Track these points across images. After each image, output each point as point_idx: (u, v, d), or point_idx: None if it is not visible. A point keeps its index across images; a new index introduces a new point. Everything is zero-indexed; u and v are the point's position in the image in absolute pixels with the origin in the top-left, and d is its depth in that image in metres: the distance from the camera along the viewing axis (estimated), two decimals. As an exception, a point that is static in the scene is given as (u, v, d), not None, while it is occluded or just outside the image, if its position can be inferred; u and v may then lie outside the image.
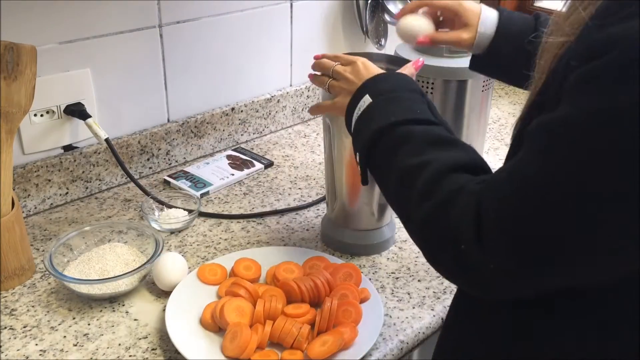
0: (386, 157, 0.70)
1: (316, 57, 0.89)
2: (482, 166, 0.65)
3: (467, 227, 0.56)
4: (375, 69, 0.81)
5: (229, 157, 1.28)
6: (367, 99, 0.75)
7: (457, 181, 0.60)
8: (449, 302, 0.90)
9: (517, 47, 0.90)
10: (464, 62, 1.09)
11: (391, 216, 1.03)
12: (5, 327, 0.84)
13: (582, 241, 0.51)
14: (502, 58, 0.94)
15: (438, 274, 0.92)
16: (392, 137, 0.70)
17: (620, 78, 0.49)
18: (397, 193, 0.68)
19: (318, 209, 1.12)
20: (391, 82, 0.77)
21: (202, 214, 1.09)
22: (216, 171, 1.22)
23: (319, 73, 0.88)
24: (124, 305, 0.88)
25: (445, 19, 0.97)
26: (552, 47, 0.60)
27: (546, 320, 0.62)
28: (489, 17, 0.93)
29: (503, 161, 0.95)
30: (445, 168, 0.62)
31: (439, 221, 0.59)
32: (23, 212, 1.06)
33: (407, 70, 0.84)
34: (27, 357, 0.79)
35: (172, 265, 0.89)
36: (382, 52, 1.46)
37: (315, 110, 0.91)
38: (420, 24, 0.95)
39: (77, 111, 1.07)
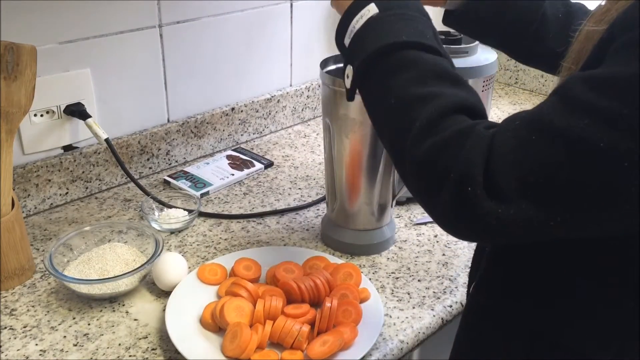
0: (386, 79, 0.64)
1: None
2: (484, 114, 0.61)
3: (477, 171, 0.52)
4: None
5: (229, 157, 1.28)
6: (372, 9, 0.67)
7: (463, 121, 0.57)
8: (449, 302, 0.90)
9: (491, 6, 0.87)
10: (464, 62, 1.09)
11: (391, 216, 1.03)
12: (5, 327, 0.84)
13: (601, 194, 0.49)
14: (479, 18, 0.90)
15: (438, 274, 0.93)
16: (398, 58, 0.63)
17: None
18: (392, 122, 0.62)
19: (318, 209, 1.12)
20: None
21: (202, 214, 1.09)
22: (216, 171, 1.22)
23: None
24: (124, 305, 0.88)
25: None
26: (593, 35, 0.58)
27: (566, 321, 0.62)
28: None
29: None
30: (452, 105, 0.58)
31: (443, 160, 0.55)
32: (23, 212, 1.06)
33: None
34: (27, 357, 0.79)
35: (172, 265, 0.89)
36: (382, 52, 1.46)
37: None
38: None
39: (77, 111, 1.07)
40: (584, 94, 0.50)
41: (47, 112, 1.06)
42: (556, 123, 0.50)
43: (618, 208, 0.50)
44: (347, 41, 0.70)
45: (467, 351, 0.75)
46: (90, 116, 1.08)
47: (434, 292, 0.92)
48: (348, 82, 0.70)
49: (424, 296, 0.91)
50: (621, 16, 0.54)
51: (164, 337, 0.82)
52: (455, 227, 0.57)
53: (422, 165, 0.57)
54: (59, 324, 0.85)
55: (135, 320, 0.86)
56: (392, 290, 0.92)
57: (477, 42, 1.13)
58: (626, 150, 0.48)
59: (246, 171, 1.23)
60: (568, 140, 0.50)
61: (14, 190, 0.94)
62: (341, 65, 1.00)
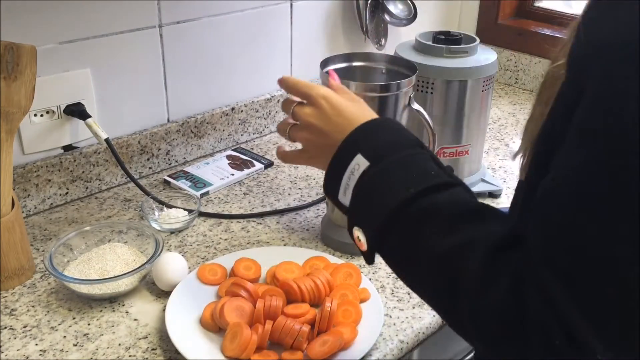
0: (408, 240, 0.58)
1: (279, 81, 0.75)
2: (517, 232, 0.54)
3: (552, 321, 0.48)
4: (344, 107, 0.68)
5: (229, 157, 1.28)
6: (361, 162, 0.62)
7: (512, 263, 0.52)
8: (449, 302, 0.90)
9: None
10: (464, 62, 1.09)
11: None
12: (5, 327, 0.84)
13: None
14: None
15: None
16: (412, 214, 0.58)
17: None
18: (432, 283, 0.57)
19: (318, 209, 1.12)
20: (384, 135, 0.64)
21: (202, 214, 1.09)
22: (216, 171, 1.22)
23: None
24: (124, 305, 0.88)
25: None
26: (555, 71, 0.57)
27: None
28: None
29: (503, 166, 0.92)
30: (491, 247, 0.53)
31: (513, 317, 0.50)
32: (23, 212, 1.06)
33: (334, 87, 0.73)
34: (27, 357, 0.79)
35: (172, 265, 0.89)
36: (382, 52, 1.46)
37: (285, 158, 0.77)
38: None
39: (77, 111, 1.07)
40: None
41: (47, 112, 1.06)
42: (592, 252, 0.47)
43: None
44: (343, 200, 0.65)
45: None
46: (90, 116, 1.08)
47: (434, 292, 0.92)
48: (362, 245, 0.64)
49: (424, 296, 0.91)
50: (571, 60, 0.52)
51: (164, 337, 0.82)
52: None
53: (491, 323, 0.52)
54: (59, 324, 0.85)
55: (135, 320, 0.86)
56: (392, 290, 0.92)
57: (477, 42, 1.13)
58: None
59: (246, 171, 1.23)
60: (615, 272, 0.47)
61: (14, 190, 0.94)
62: (341, 65, 1.00)
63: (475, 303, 0.52)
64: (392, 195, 0.59)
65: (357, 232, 0.63)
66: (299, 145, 0.76)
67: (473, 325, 0.54)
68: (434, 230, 0.56)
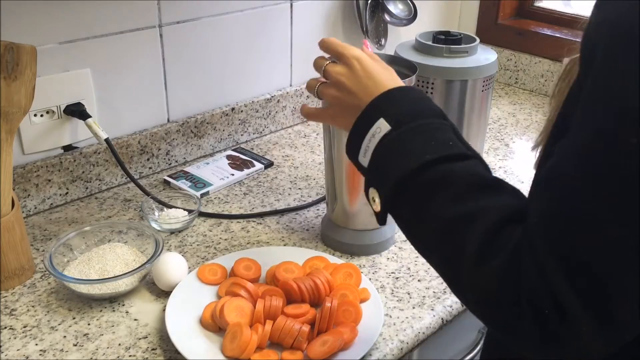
0: (420, 204, 0.59)
1: (320, 43, 0.76)
2: (525, 205, 0.56)
3: (545, 293, 0.49)
4: (375, 71, 0.70)
5: (229, 157, 1.28)
6: (383, 126, 0.63)
7: (516, 235, 0.53)
8: (449, 302, 0.90)
9: None
10: (464, 62, 1.09)
11: (391, 216, 1.03)
12: (5, 327, 0.84)
13: None
14: None
15: (438, 274, 0.93)
16: (427, 179, 0.59)
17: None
18: (439, 248, 0.58)
19: (318, 209, 1.12)
20: (409, 102, 0.65)
21: (202, 214, 1.09)
22: (216, 171, 1.22)
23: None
24: (124, 305, 0.88)
25: None
26: (570, 67, 0.58)
27: None
28: None
29: (503, 167, 0.93)
30: (499, 219, 0.54)
31: (508, 288, 0.51)
32: (23, 212, 1.06)
33: (368, 54, 0.74)
34: (27, 357, 0.79)
35: (172, 265, 0.89)
36: (382, 52, 1.46)
37: (309, 115, 0.79)
38: None
39: (77, 111, 1.07)
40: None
41: (47, 112, 1.06)
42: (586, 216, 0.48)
43: None
44: (363, 161, 0.66)
45: (496, 348, 0.73)
46: (90, 116, 1.08)
47: (434, 292, 0.92)
48: (376, 206, 0.65)
49: (424, 296, 0.91)
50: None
51: (164, 337, 0.82)
52: (544, 351, 0.53)
53: (485, 293, 0.53)
54: (59, 324, 0.85)
55: (135, 320, 0.86)
56: (392, 290, 0.92)
57: (477, 42, 1.13)
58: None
59: (246, 171, 1.23)
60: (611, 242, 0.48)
61: (14, 190, 0.94)
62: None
63: (474, 270, 0.53)
64: (409, 160, 0.60)
65: (373, 193, 0.65)
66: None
67: (471, 292, 0.55)
68: (446, 197, 0.57)
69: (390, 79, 0.70)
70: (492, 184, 0.58)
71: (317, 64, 0.76)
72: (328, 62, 0.74)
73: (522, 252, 0.51)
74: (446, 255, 0.58)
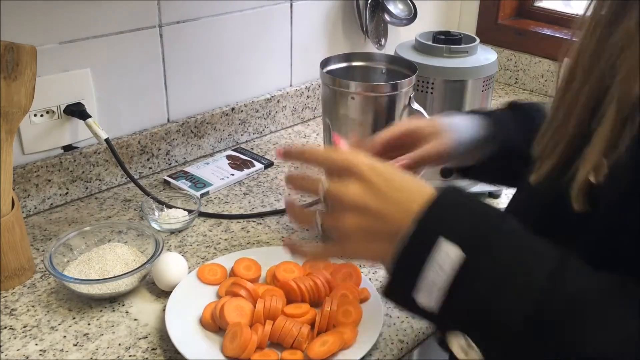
0: (561, 343, 0.45)
1: (279, 153, 0.60)
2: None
3: None
4: (399, 179, 0.54)
5: (229, 157, 1.28)
6: (453, 252, 0.47)
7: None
8: (449, 302, 0.90)
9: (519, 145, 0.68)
10: (464, 62, 1.09)
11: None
12: (5, 327, 0.84)
13: None
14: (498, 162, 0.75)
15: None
16: (554, 313, 0.46)
17: None
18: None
19: (318, 209, 1.12)
20: (467, 211, 0.51)
21: (202, 214, 1.09)
22: (216, 171, 1.22)
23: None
24: (124, 305, 0.88)
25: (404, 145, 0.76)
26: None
27: None
28: (460, 120, 0.75)
29: None
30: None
31: None
32: (23, 212, 1.06)
33: (346, 150, 0.62)
34: (27, 357, 0.79)
35: (172, 265, 0.89)
36: (382, 52, 1.46)
37: (314, 257, 0.66)
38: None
39: (77, 111, 1.07)
40: None
41: (47, 112, 1.06)
42: None
43: None
44: (424, 300, 0.50)
45: None
46: (90, 116, 1.08)
47: (434, 292, 0.92)
48: (472, 355, 0.50)
49: (424, 296, 0.91)
50: None
51: (164, 337, 0.82)
52: None
53: None
54: (59, 324, 0.85)
55: (135, 320, 0.86)
56: (392, 290, 0.92)
57: (477, 42, 1.13)
58: None
59: (246, 171, 1.23)
60: None
61: (14, 190, 0.93)
62: (341, 65, 1.00)
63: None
64: (510, 300, 0.46)
65: (459, 341, 0.49)
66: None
67: None
68: (593, 330, 0.45)
69: (414, 183, 0.55)
70: (624, 291, 0.47)
71: (308, 187, 0.58)
72: (325, 180, 0.57)
73: None
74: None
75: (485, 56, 1.12)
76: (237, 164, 1.25)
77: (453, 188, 0.53)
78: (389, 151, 0.74)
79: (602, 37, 0.54)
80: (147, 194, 1.10)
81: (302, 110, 1.46)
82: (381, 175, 0.54)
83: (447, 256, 0.48)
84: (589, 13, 0.56)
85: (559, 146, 0.57)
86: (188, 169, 1.23)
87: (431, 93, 1.11)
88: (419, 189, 0.53)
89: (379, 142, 0.74)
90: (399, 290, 0.52)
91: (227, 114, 1.31)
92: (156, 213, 1.07)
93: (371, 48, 1.49)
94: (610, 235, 0.51)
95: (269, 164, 1.27)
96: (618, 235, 0.50)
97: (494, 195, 1.18)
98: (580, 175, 0.52)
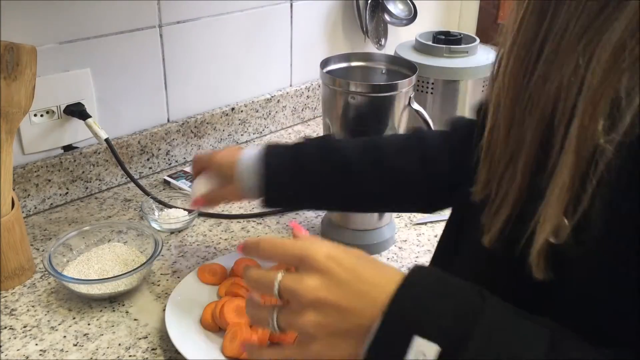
0: None
1: (239, 249, 0.56)
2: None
3: None
4: (363, 268, 0.48)
5: (229, 157, 1.28)
6: (426, 348, 0.42)
7: None
8: (449, 302, 0.90)
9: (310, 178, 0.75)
10: (464, 62, 1.09)
11: (391, 216, 1.03)
12: (5, 327, 0.84)
13: None
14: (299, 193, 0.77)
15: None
16: None
17: None
18: None
19: (318, 209, 1.13)
20: (438, 298, 0.45)
21: (202, 214, 1.09)
22: (216, 171, 1.22)
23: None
24: (124, 305, 0.88)
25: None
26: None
27: None
28: (245, 159, 0.76)
29: None
30: None
31: None
32: (23, 212, 1.06)
33: (303, 238, 0.53)
34: (27, 357, 0.79)
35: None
36: (382, 52, 1.46)
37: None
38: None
39: (77, 111, 1.07)
40: None
41: (47, 112, 1.06)
42: None
43: None
44: None
45: None
46: (90, 116, 1.08)
47: (434, 292, 0.92)
48: None
49: (424, 296, 0.91)
50: None
51: (164, 337, 0.82)
52: None
53: None
54: (59, 324, 0.85)
55: (135, 320, 0.86)
56: (392, 290, 0.92)
57: (477, 42, 1.13)
58: None
59: (246, 171, 1.23)
60: None
61: (14, 190, 0.94)
62: (341, 65, 1.00)
63: None
64: None
65: None
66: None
67: None
68: None
69: (379, 271, 0.48)
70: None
71: (263, 281, 0.50)
72: (280, 273, 0.50)
73: None
74: None
75: (485, 56, 1.12)
76: (237, 164, 1.25)
77: (425, 270, 0.47)
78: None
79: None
80: (147, 194, 1.10)
81: (302, 110, 1.46)
82: (341, 265, 0.47)
83: (423, 356, 0.42)
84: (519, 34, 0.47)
85: (508, 197, 0.49)
86: (188, 169, 1.23)
87: (431, 93, 1.11)
88: (386, 277, 0.47)
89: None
90: None
91: (227, 114, 1.31)
92: (156, 213, 1.07)
93: (371, 48, 1.49)
94: (586, 302, 0.46)
95: (269, 164, 1.26)
96: (595, 303, 0.45)
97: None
98: (539, 239, 0.45)
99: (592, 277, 0.45)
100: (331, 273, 0.47)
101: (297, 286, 0.48)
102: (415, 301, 0.44)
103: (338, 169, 0.76)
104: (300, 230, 0.57)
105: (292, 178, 0.76)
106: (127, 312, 0.87)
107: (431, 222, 1.08)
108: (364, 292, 0.46)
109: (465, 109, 1.11)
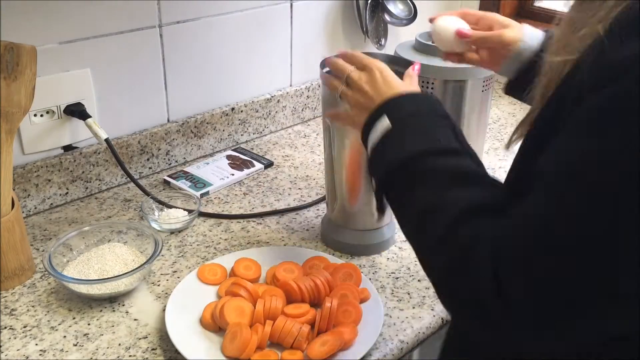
0: (403, 194, 0.67)
1: (339, 57, 0.82)
2: (503, 201, 0.60)
3: (486, 281, 0.54)
4: (393, 80, 0.75)
5: (229, 157, 1.28)
6: (385, 122, 0.70)
7: (475, 229, 0.58)
8: (449, 302, 0.90)
9: None
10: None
11: (391, 216, 1.03)
12: (5, 327, 0.84)
13: (602, 287, 0.50)
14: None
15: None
16: (409, 172, 0.66)
17: (621, 118, 0.48)
18: (415, 236, 0.65)
19: (318, 209, 1.12)
20: (413, 104, 0.72)
21: (202, 214, 1.09)
22: (216, 171, 1.22)
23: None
24: (124, 305, 0.88)
25: (482, 28, 0.93)
26: (558, 67, 0.58)
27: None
28: (533, 32, 0.87)
29: (503, 167, 0.91)
30: (465, 212, 0.59)
31: (458, 276, 0.57)
32: (23, 212, 1.06)
33: (411, 79, 0.79)
34: (27, 357, 0.79)
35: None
36: (382, 52, 1.46)
37: (333, 117, 0.87)
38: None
39: (77, 111, 1.07)
40: (570, 189, 0.51)
41: (47, 112, 1.06)
42: (555, 232, 0.51)
43: (618, 299, 0.51)
44: (368, 153, 0.73)
45: (455, 351, 0.74)
46: (90, 116, 1.08)
47: (434, 292, 0.92)
48: (374, 188, 0.74)
49: (424, 296, 0.91)
50: (586, 64, 0.54)
51: (164, 337, 0.82)
52: (486, 334, 0.60)
53: (441, 279, 0.61)
54: (59, 324, 0.85)
55: (135, 320, 0.86)
56: (392, 290, 0.92)
57: (477, 42, 1.13)
58: (624, 240, 0.49)
59: (246, 171, 1.23)
60: (556, 237, 0.51)
61: (14, 190, 0.94)
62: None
63: (435, 257, 0.61)
64: (396, 152, 0.67)
65: (373, 182, 0.73)
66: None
67: (432, 276, 0.62)
68: (422, 191, 0.64)
69: (405, 87, 0.75)
70: (467, 177, 0.63)
71: (339, 68, 0.80)
72: (353, 68, 0.79)
73: (481, 245, 0.55)
74: (420, 242, 0.64)
75: (485, 56, 1.12)
76: (237, 164, 1.25)
77: (422, 93, 0.75)
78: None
79: None
80: (147, 194, 1.10)
81: (302, 110, 1.46)
82: (383, 75, 0.75)
83: (381, 126, 0.70)
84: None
85: (522, 130, 0.66)
86: (188, 169, 1.23)
87: (431, 93, 1.10)
88: (402, 88, 0.74)
89: (467, 13, 0.93)
90: (364, 143, 0.74)
91: (227, 114, 1.31)
92: (156, 213, 1.07)
93: (371, 48, 1.49)
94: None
95: (269, 164, 1.27)
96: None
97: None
98: None
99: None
100: (374, 76, 0.76)
101: (355, 76, 0.78)
102: (398, 101, 0.72)
103: None
104: (413, 68, 0.81)
105: None
106: (127, 312, 0.87)
107: (431, 222, 1.08)
108: (384, 92, 0.73)
109: (465, 109, 1.11)
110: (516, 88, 0.91)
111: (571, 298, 0.51)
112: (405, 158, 0.66)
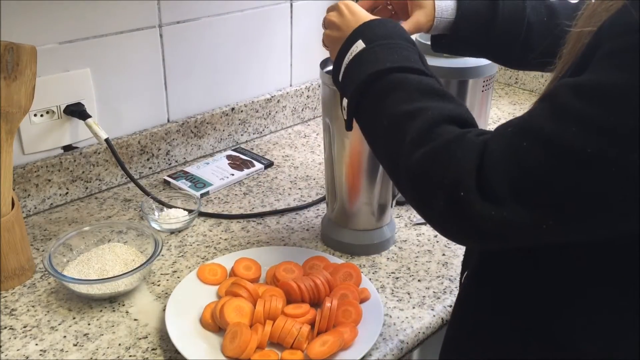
0: (377, 102, 0.68)
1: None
2: (474, 123, 0.63)
3: (469, 176, 0.55)
4: (359, 11, 0.79)
5: (229, 157, 1.28)
6: (360, 44, 0.73)
7: (453, 131, 0.59)
8: (449, 302, 0.90)
9: (478, 28, 0.88)
10: (464, 62, 1.09)
11: (391, 216, 1.03)
12: (5, 327, 0.84)
13: (590, 200, 0.51)
14: (466, 40, 0.91)
15: (438, 274, 0.93)
16: (385, 83, 0.68)
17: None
18: (386, 139, 0.66)
19: (318, 209, 1.12)
20: (385, 29, 0.75)
21: (202, 214, 1.09)
22: (216, 171, 1.22)
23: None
24: (124, 305, 0.88)
25: (398, 11, 0.95)
26: (581, 36, 0.60)
27: (556, 318, 0.62)
28: (445, 4, 0.89)
29: None
30: (440, 117, 0.61)
31: (435, 168, 0.58)
32: (23, 212, 1.06)
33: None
34: (27, 357, 0.79)
35: None
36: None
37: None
38: None
39: (77, 111, 1.07)
40: (572, 102, 0.52)
41: (47, 112, 1.06)
42: (546, 130, 0.52)
43: (607, 213, 0.52)
44: (340, 77, 0.75)
45: (455, 350, 0.75)
46: (90, 116, 1.08)
47: (434, 292, 0.92)
48: (345, 114, 0.75)
49: (424, 296, 0.91)
50: (608, 22, 0.55)
51: (164, 337, 0.82)
52: (451, 232, 0.60)
53: (415, 175, 0.60)
54: (59, 324, 0.85)
55: (135, 320, 0.86)
56: (392, 290, 0.92)
57: (477, 42, 1.13)
58: (614, 157, 0.49)
59: (246, 171, 1.23)
60: (557, 147, 0.52)
61: (14, 190, 0.94)
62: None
63: (409, 155, 0.60)
64: (373, 66, 0.69)
65: (344, 103, 0.75)
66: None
67: (404, 185, 0.63)
68: (396, 99, 0.65)
69: (368, 16, 0.79)
70: (440, 93, 0.65)
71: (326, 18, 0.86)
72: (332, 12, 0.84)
73: (465, 144, 0.57)
74: (390, 145, 0.65)
75: (485, 56, 1.12)
76: (237, 164, 1.25)
77: (389, 20, 0.78)
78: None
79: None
80: (147, 194, 1.10)
81: (302, 110, 1.46)
82: (349, 8, 0.79)
83: (356, 48, 0.73)
84: None
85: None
86: (188, 169, 1.23)
87: (431, 93, 1.10)
88: (367, 17, 0.77)
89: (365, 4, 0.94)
90: (334, 77, 0.77)
91: (227, 114, 1.31)
92: (156, 213, 1.07)
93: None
94: None
95: (268, 164, 1.27)
96: None
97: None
98: None
99: None
100: (341, 10, 0.79)
101: (326, 16, 0.82)
102: (370, 27, 0.74)
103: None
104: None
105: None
106: (127, 312, 0.87)
107: (431, 222, 1.08)
108: (352, 22, 0.77)
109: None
110: (443, 46, 0.93)
111: (557, 201, 0.52)
112: (380, 70, 0.68)
